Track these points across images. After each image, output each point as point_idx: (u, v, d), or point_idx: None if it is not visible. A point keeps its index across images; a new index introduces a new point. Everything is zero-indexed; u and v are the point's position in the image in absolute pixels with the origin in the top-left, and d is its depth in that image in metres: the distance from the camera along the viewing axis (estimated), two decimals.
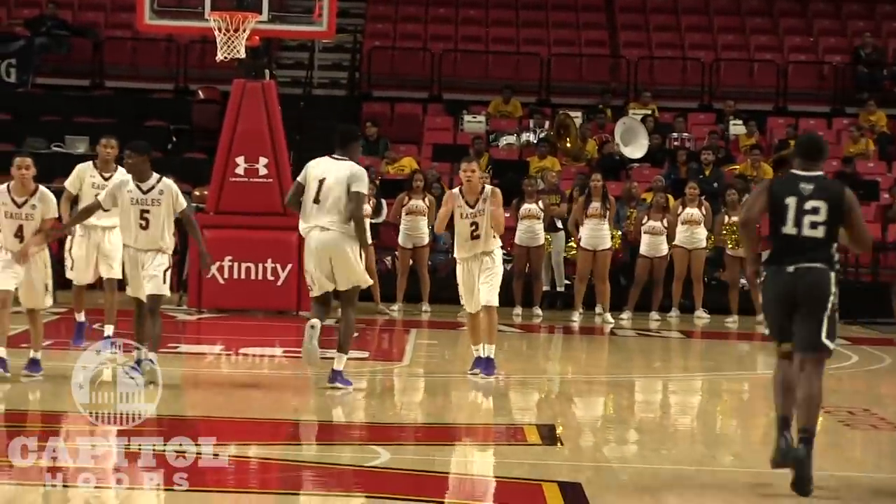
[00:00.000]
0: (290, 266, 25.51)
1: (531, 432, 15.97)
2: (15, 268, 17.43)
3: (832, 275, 12.35)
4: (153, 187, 17.58)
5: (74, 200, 20.04)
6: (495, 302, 18.51)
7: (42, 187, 17.86)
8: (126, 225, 17.66)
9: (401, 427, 16.16)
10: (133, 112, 31.78)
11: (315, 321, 17.42)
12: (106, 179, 19.84)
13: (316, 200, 17.70)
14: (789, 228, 12.39)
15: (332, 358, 17.84)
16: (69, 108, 32.40)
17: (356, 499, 12.36)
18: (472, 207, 18.06)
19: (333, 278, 17.59)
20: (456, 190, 18.69)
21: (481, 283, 18.32)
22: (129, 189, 17.60)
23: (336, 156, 17.87)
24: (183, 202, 17.84)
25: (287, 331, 23.59)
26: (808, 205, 12.28)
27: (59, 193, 18.98)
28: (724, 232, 26.44)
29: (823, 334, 12.43)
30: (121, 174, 18.48)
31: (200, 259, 18.70)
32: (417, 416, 17.30)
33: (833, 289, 12.35)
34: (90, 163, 20.55)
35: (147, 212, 17.53)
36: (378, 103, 33.70)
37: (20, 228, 17.57)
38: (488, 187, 18.60)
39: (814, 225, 12.27)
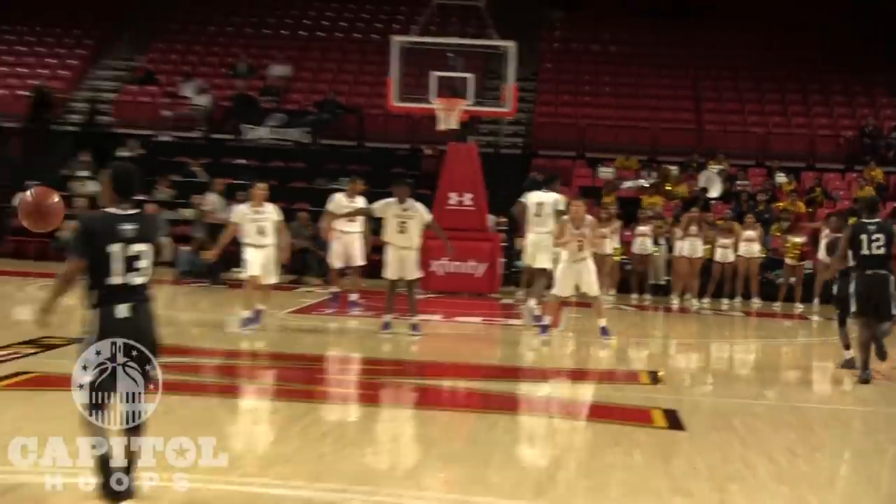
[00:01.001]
0: (485, 264, 25.76)
1: (643, 375, 16.09)
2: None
3: (891, 277, 14.94)
4: (409, 207, 18.04)
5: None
6: (598, 292, 18.70)
7: (269, 203, 18.46)
8: (391, 229, 18.11)
9: (557, 370, 16.29)
10: (383, 163, 31.96)
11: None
12: (353, 202, 20.60)
13: (537, 214, 19.89)
14: (865, 251, 14.78)
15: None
16: (342, 159, 32.65)
17: (530, 416, 12.56)
18: (577, 230, 18.16)
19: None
20: (566, 217, 18.78)
21: (589, 280, 18.34)
22: (393, 207, 18.09)
23: (545, 190, 20.20)
24: (427, 216, 18.35)
25: (483, 306, 23.66)
26: (874, 237, 14.76)
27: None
28: (787, 247, 26.50)
29: (893, 310, 14.99)
30: (386, 201, 18.49)
31: (447, 248, 19.79)
32: (567, 363, 17.42)
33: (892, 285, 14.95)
34: (343, 193, 21.13)
35: (404, 222, 17.98)
36: (542, 158, 33.67)
37: (260, 229, 18.09)
38: (589, 217, 18.74)
39: (878, 248, 14.74)
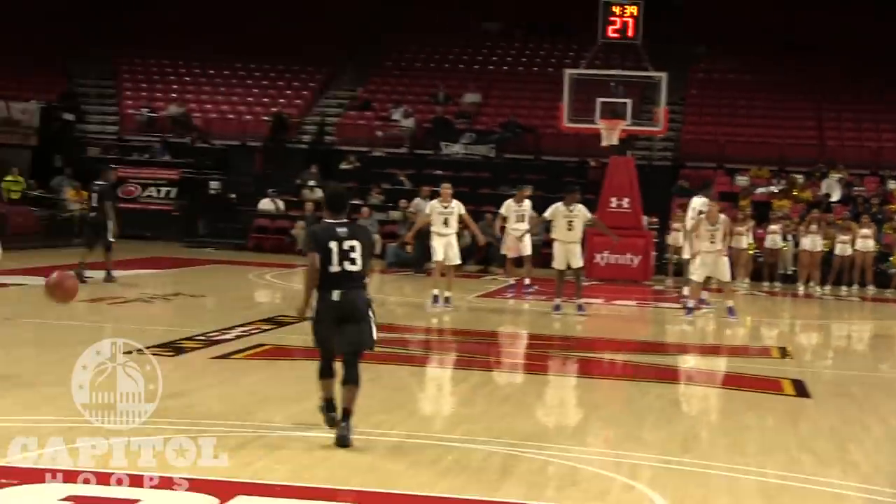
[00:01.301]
0: (640, 256, 25.51)
1: (774, 351, 15.71)
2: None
3: None
4: (574, 209, 17.84)
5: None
6: (728, 278, 18.34)
7: (455, 200, 18.51)
8: (560, 227, 17.90)
9: (700, 346, 16.01)
10: (555, 174, 31.72)
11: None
12: (521, 206, 20.68)
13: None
14: None
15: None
16: (521, 170, 32.53)
17: (677, 384, 12.33)
18: (712, 226, 17.76)
19: None
20: (703, 216, 18.33)
21: (722, 269, 17.94)
22: (562, 210, 17.90)
23: (702, 195, 19.45)
24: (589, 215, 18.19)
25: (637, 292, 23.41)
26: None
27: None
28: None
29: None
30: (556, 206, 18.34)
31: (612, 239, 20.25)
32: (709, 340, 17.08)
33: None
34: (512, 199, 21.10)
35: (571, 221, 17.81)
36: (688, 169, 33.15)
37: (445, 221, 18.16)
38: (723, 216, 18.37)
39: None
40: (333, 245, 8.29)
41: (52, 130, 34.87)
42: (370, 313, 8.46)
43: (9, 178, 31.46)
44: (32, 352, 11.69)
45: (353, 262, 8.31)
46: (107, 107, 38.00)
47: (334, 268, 8.28)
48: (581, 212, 18.00)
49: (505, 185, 30.76)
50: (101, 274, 19.42)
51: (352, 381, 8.44)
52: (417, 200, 27.31)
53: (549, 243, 19.36)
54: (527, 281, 20.89)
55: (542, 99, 36.36)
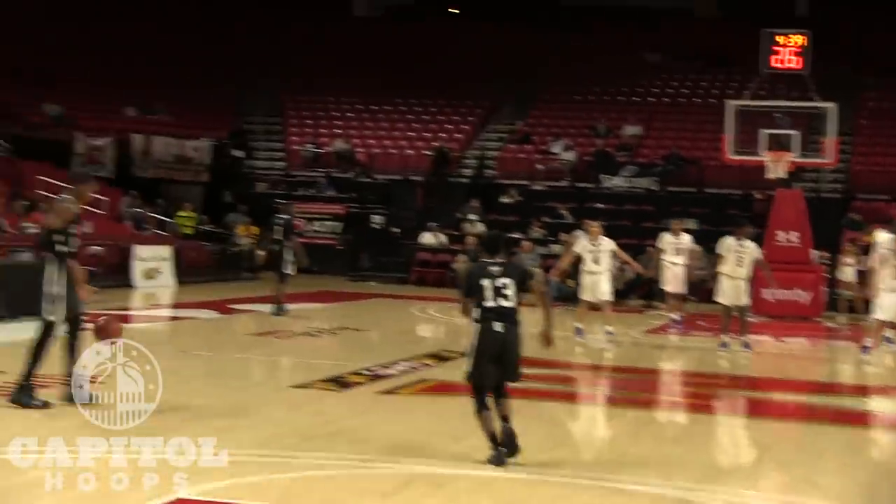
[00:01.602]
0: (810, 292, 24.85)
1: None
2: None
3: None
4: (744, 244, 17.49)
5: None
6: None
7: (604, 237, 18.44)
8: (729, 262, 17.56)
9: (879, 387, 15.42)
10: (719, 207, 31.28)
11: None
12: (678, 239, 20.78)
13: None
14: None
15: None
16: (684, 203, 32.08)
17: (854, 427, 11.86)
18: None
19: None
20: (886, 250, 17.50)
21: None
22: (731, 244, 17.57)
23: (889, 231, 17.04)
24: (758, 253, 17.76)
25: (808, 328, 22.75)
26: None
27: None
28: None
29: None
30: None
31: (770, 282, 19.35)
32: (889, 381, 16.43)
33: None
34: (669, 232, 21.09)
35: (741, 256, 17.47)
36: (859, 202, 32.25)
37: (596, 259, 18.14)
38: None
39: None
40: (486, 283, 8.87)
41: (223, 167, 35.80)
42: (520, 348, 8.97)
43: (182, 213, 32.35)
44: (204, 384, 11.90)
45: (506, 297, 8.85)
46: (274, 143, 38.85)
47: (490, 303, 8.85)
48: (751, 248, 17.63)
49: (668, 219, 30.28)
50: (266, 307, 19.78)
51: (507, 407, 8.98)
52: (579, 233, 27.13)
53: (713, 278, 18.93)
54: (675, 316, 20.94)
55: (705, 130, 35.86)
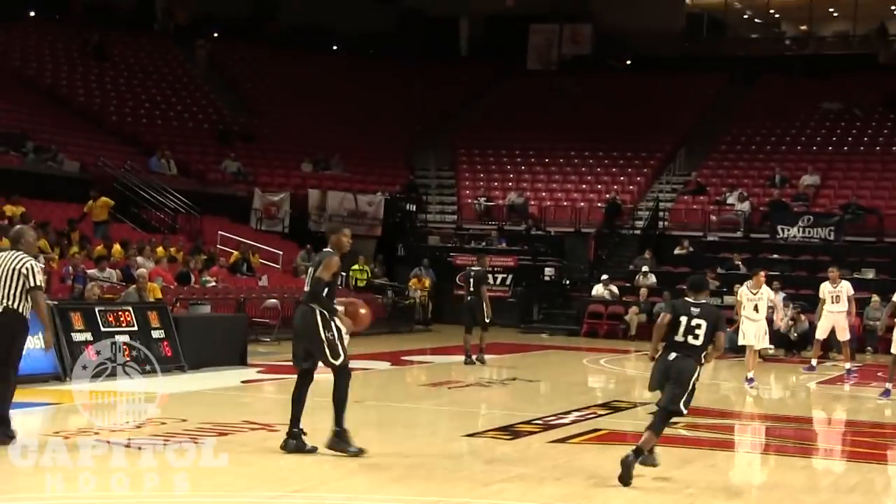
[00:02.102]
0: None
1: None
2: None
3: None
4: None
5: None
6: None
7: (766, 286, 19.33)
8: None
9: None
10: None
11: None
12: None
13: None
14: None
15: None
16: (862, 253, 31.47)
17: None
18: None
19: None
20: None
21: None
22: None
23: None
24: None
25: None
26: None
27: None
28: None
29: None
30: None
31: None
32: None
33: None
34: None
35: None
36: None
37: (756, 307, 18.72)
38: None
39: None
40: (684, 319, 9.84)
41: (395, 220, 36.49)
42: (692, 384, 9.85)
43: (356, 266, 33.05)
44: (378, 433, 12.19)
45: (696, 336, 9.81)
46: (446, 196, 39.44)
47: (679, 337, 9.84)
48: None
49: (845, 269, 29.70)
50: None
51: (652, 428, 10.01)
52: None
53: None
54: (847, 365, 20.90)
55: (886, 178, 35.24)
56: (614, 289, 31.59)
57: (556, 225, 36.42)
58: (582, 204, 37.15)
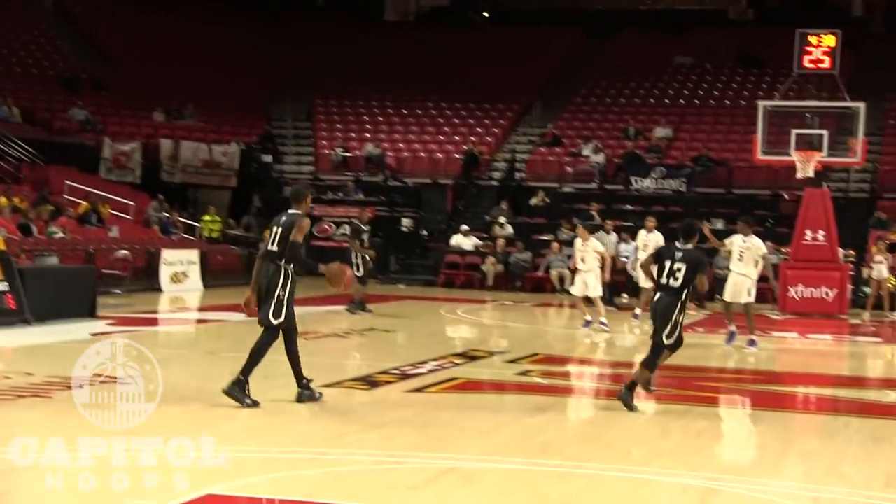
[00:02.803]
0: (835, 290, 24.89)
1: None
2: None
3: None
4: (749, 239, 17.63)
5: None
6: None
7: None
8: (733, 259, 17.85)
9: None
10: (748, 207, 31.29)
11: None
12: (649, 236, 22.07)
13: None
14: None
15: None
16: (712, 204, 32.19)
17: (878, 419, 11.93)
18: None
19: None
20: None
21: None
22: (736, 240, 17.86)
23: None
24: (762, 249, 17.78)
25: (833, 325, 22.87)
26: None
27: None
28: None
29: None
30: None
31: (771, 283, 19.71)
32: None
33: None
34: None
35: (742, 253, 17.58)
36: (886, 201, 32.22)
37: (583, 258, 19.49)
38: None
39: None
40: (668, 263, 11.19)
41: (251, 171, 36.05)
42: (673, 319, 11.13)
43: (207, 217, 32.62)
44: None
45: (676, 279, 11.13)
46: (303, 147, 39.09)
47: (663, 279, 11.21)
48: (756, 245, 17.62)
49: (696, 219, 30.33)
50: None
51: (644, 364, 11.45)
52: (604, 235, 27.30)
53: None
54: (637, 311, 21.36)
55: (735, 132, 35.99)
56: (475, 239, 31.76)
57: (413, 176, 36.40)
58: (439, 155, 37.20)
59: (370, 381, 12.63)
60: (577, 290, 19.56)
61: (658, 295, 11.31)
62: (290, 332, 10.98)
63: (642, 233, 22.71)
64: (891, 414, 12.20)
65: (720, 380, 14.77)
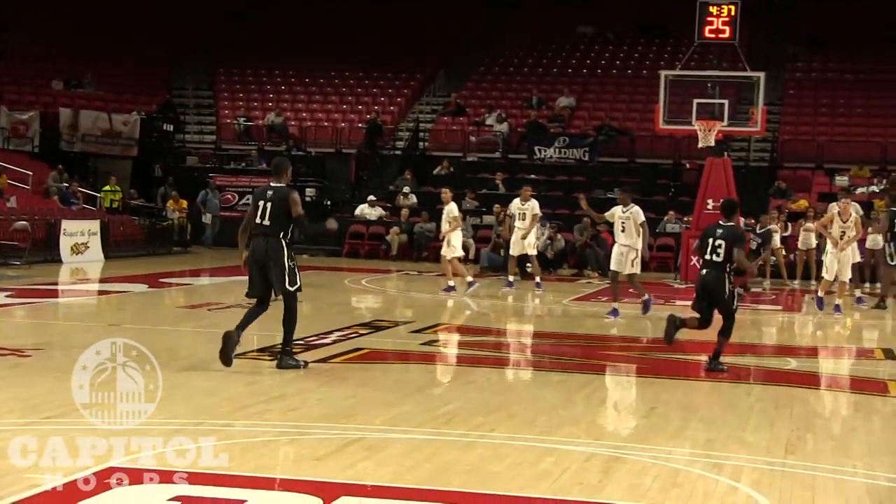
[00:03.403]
0: None
1: (878, 352, 15.40)
2: None
3: None
4: (628, 210, 17.72)
5: None
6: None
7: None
8: (616, 230, 17.94)
9: (802, 347, 15.77)
10: (650, 176, 31.66)
11: None
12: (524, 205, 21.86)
13: None
14: None
15: None
16: (615, 174, 32.43)
17: (779, 386, 12.11)
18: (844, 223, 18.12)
19: None
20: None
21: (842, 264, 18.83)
22: (617, 211, 17.91)
23: None
24: (641, 217, 17.76)
25: None
26: None
27: None
28: None
29: None
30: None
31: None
32: (809, 341, 16.83)
33: None
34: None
35: (624, 223, 17.65)
36: (786, 170, 32.76)
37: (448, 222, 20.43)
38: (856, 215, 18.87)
39: None
40: (710, 240, 11.91)
41: (152, 140, 35.49)
42: (728, 290, 11.99)
43: (107, 187, 32.06)
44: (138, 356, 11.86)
45: (718, 255, 11.84)
46: (205, 116, 38.59)
47: (707, 255, 11.94)
48: (633, 215, 17.67)
49: (599, 189, 30.58)
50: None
51: (722, 333, 12.29)
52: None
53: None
54: (537, 279, 21.64)
55: (637, 101, 36.24)
56: (381, 210, 31.63)
57: (316, 145, 36.17)
58: (343, 124, 36.98)
59: (274, 353, 12.49)
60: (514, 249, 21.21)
61: (704, 270, 12.09)
62: (263, 304, 11.54)
63: (516, 202, 22.22)
64: (791, 381, 12.37)
65: (623, 349, 14.89)
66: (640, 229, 17.68)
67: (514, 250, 21.62)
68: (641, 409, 10.52)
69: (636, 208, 17.81)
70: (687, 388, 11.79)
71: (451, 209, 20.35)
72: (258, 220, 11.23)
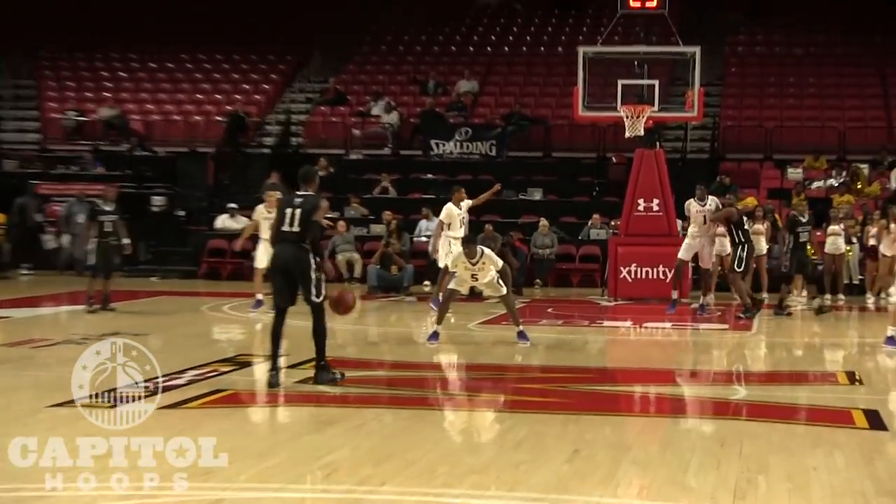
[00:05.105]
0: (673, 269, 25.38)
1: (840, 376, 15.63)
2: None
3: None
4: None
5: None
6: None
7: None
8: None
9: (753, 373, 15.95)
10: (570, 173, 31.87)
11: None
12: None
13: None
14: None
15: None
16: (529, 170, 32.63)
17: (725, 420, 12.21)
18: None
19: None
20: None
21: None
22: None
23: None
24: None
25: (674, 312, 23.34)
26: None
27: None
28: None
29: None
30: None
31: None
32: (762, 366, 17.03)
33: None
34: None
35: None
36: (730, 162, 33.22)
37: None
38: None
39: None
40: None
41: None
42: None
43: None
44: None
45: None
46: (25, 111, 38.07)
47: None
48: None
49: (510, 189, 30.70)
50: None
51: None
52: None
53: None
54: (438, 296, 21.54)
55: (553, 84, 36.55)
56: (245, 220, 31.36)
57: (165, 144, 35.90)
58: (197, 118, 36.74)
59: (113, 397, 12.26)
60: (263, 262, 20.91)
61: None
62: (284, 314, 13.27)
63: (451, 206, 22.29)
64: (740, 414, 12.47)
65: (543, 380, 14.89)
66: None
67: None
68: (563, 451, 10.51)
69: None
70: (616, 425, 11.82)
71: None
72: (286, 228, 12.97)
